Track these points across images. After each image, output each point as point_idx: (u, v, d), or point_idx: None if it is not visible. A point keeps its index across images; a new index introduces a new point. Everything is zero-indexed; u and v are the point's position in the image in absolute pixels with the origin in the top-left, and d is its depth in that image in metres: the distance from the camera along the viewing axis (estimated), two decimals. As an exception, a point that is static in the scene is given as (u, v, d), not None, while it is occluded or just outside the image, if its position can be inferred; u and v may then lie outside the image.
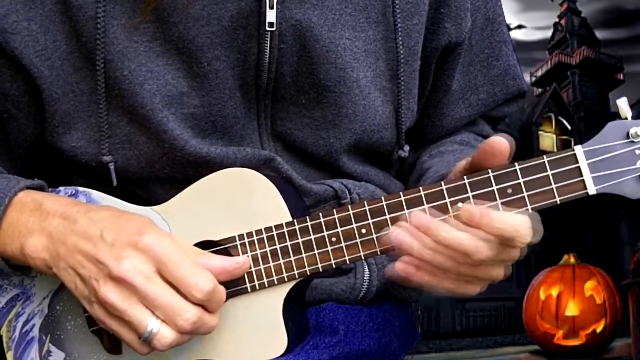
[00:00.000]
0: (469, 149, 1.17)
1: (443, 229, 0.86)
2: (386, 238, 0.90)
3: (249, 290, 0.95)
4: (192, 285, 0.87)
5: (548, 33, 3.68)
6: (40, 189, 1.00)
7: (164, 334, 0.88)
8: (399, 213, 0.92)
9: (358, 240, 0.93)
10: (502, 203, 0.89)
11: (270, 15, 1.00)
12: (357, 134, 1.08)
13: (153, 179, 1.04)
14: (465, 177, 0.90)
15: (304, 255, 0.94)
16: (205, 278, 0.88)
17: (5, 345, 1.02)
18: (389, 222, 0.92)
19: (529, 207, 0.89)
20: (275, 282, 0.95)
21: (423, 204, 0.91)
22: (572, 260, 3.10)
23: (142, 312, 0.87)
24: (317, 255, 0.94)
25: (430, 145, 1.22)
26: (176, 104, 1.01)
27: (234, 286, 0.96)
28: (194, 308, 0.88)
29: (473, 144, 1.20)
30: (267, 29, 1.00)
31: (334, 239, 0.94)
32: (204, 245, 0.97)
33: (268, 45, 1.01)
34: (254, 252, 0.95)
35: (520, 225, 0.86)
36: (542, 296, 3.03)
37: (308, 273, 0.95)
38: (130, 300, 0.87)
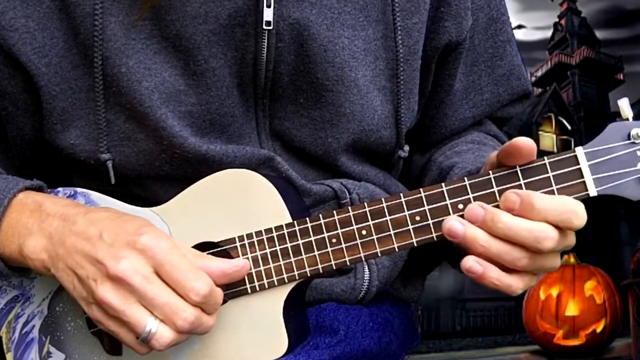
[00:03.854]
0: (482, 146, 1.17)
1: (506, 218, 0.86)
2: (450, 230, 0.88)
3: (249, 291, 0.95)
4: (189, 288, 0.87)
5: (548, 33, 3.66)
6: (39, 189, 1.00)
7: (163, 334, 0.87)
8: (399, 214, 0.92)
9: (358, 241, 0.93)
10: None
11: (268, 14, 1.00)
12: (356, 133, 1.07)
13: (152, 177, 1.04)
14: (465, 178, 0.90)
15: (304, 256, 0.94)
16: (202, 281, 0.88)
17: (5, 346, 1.02)
18: (389, 224, 0.92)
19: None
20: (276, 283, 0.95)
21: (424, 205, 0.91)
22: (572, 260, 3.09)
23: (140, 312, 0.87)
24: (317, 256, 0.94)
25: (441, 147, 1.21)
26: (174, 102, 1.01)
27: (234, 287, 0.95)
28: (192, 307, 0.88)
29: (485, 142, 1.19)
30: (264, 27, 1.00)
31: (334, 240, 0.93)
32: (204, 246, 0.96)
33: (265, 44, 1.01)
34: (254, 254, 0.95)
35: (574, 205, 0.86)
36: (542, 296, 3.03)
37: (308, 274, 0.95)
38: (128, 301, 0.87)
